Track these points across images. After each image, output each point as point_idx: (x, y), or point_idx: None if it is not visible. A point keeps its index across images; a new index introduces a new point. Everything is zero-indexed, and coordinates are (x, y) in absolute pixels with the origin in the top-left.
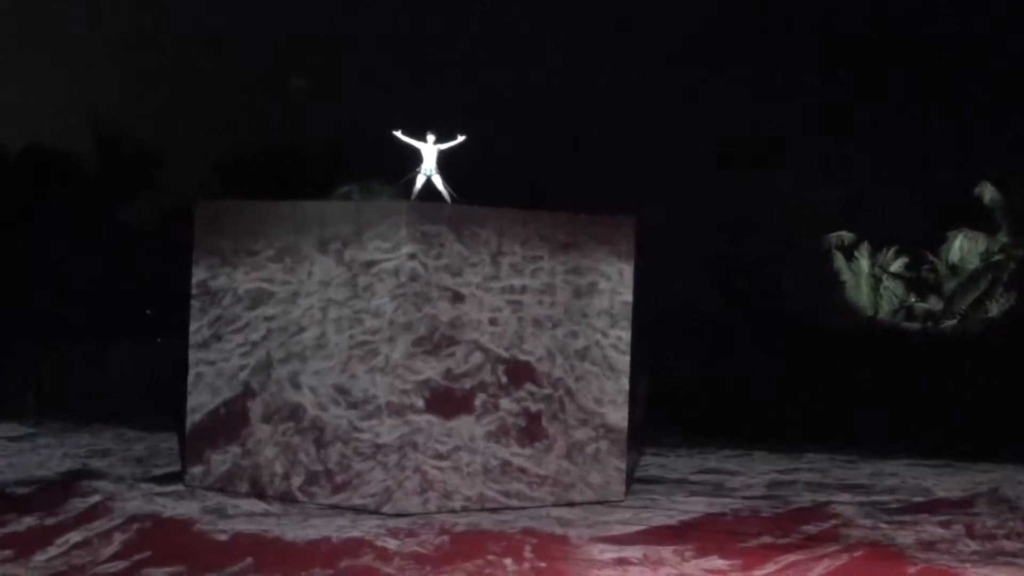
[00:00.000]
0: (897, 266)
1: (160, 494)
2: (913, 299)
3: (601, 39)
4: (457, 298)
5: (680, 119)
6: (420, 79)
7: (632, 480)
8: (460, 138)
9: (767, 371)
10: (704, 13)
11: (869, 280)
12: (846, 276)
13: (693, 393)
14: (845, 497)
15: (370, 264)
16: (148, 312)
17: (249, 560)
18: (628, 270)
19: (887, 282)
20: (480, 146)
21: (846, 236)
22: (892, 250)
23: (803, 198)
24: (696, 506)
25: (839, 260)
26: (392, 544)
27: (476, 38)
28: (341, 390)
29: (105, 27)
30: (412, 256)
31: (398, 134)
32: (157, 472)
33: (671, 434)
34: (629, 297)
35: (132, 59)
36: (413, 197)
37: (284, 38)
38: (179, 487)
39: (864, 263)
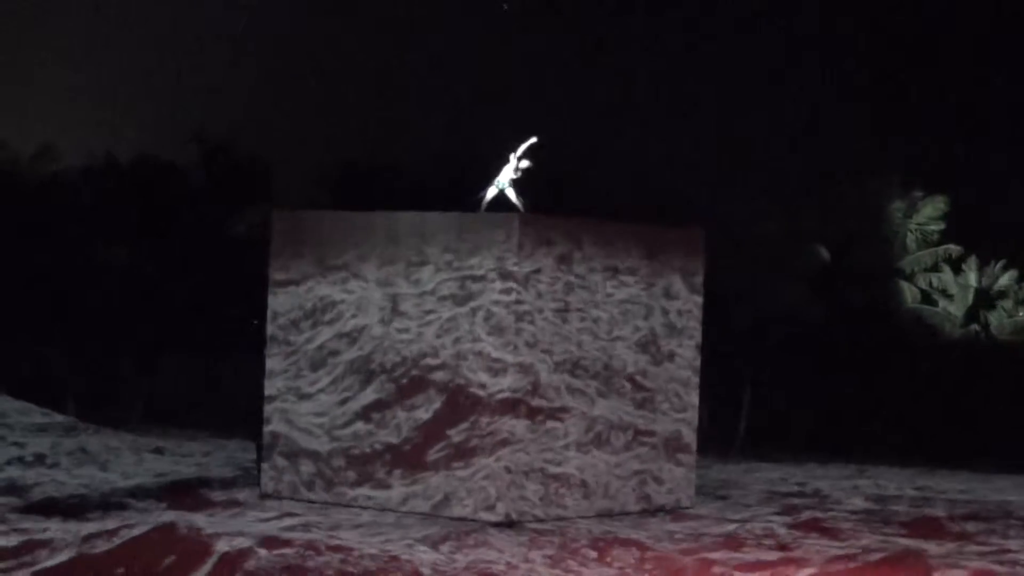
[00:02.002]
0: (1006, 280)
1: None
2: (1021, 313)
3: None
4: (561, 310)
5: (783, 128)
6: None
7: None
8: (532, 139)
9: (871, 384)
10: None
11: (977, 294)
12: (953, 290)
13: (796, 405)
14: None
15: (482, 275)
16: (255, 323)
17: None
18: (697, 282)
19: (996, 297)
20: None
21: (953, 249)
22: (1000, 263)
23: (907, 211)
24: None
25: (947, 274)
26: None
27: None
28: None
29: (215, 33)
30: (531, 272)
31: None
32: None
33: (772, 446)
34: (698, 310)
35: (240, 69)
36: (482, 209)
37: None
38: None
39: (972, 276)
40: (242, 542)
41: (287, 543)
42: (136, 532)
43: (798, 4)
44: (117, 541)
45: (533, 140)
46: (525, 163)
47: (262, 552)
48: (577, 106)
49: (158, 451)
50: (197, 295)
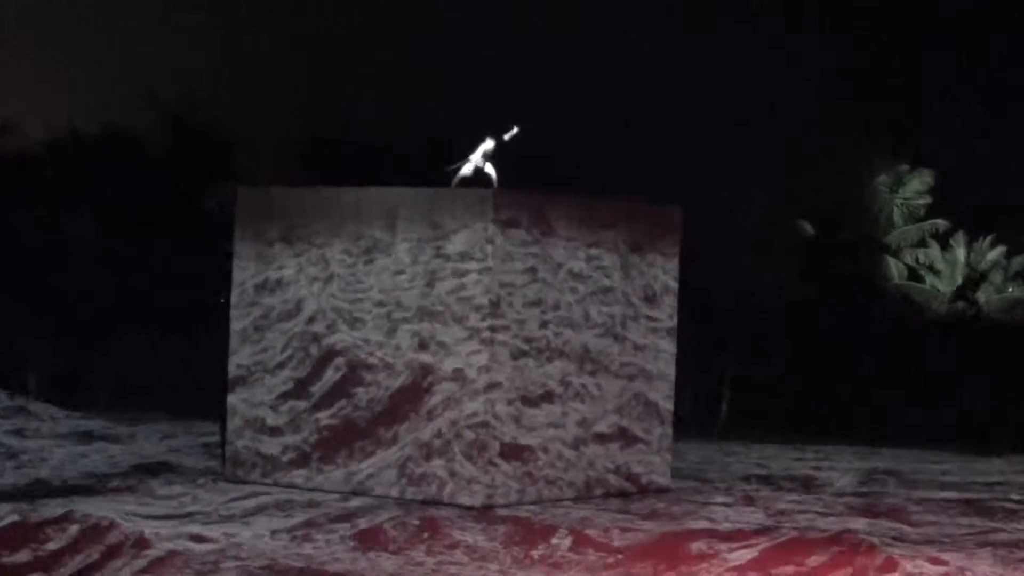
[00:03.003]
0: (994, 255)
1: None
2: (1011, 289)
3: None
4: (558, 303)
5: (765, 107)
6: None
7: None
8: (515, 130)
9: (859, 363)
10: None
11: (964, 270)
12: (941, 266)
13: (781, 383)
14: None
15: (460, 255)
16: (223, 301)
17: None
18: (675, 258)
19: (986, 272)
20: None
21: (940, 224)
22: (989, 238)
23: (892, 185)
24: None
25: (934, 249)
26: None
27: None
28: None
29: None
30: (506, 253)
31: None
32: None
33: (757, 427)
34: (675, 284)
35: (199, 31)
36: (454, 185)
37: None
38: None
39: (960, 252)
40: (184, 535)
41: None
42: (74, 525)
43: None
44: (52, 533)
45: (516, 131)
46: (505, 137)
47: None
48: (551, 80)
49: (108, 437)
50: (166, 272)
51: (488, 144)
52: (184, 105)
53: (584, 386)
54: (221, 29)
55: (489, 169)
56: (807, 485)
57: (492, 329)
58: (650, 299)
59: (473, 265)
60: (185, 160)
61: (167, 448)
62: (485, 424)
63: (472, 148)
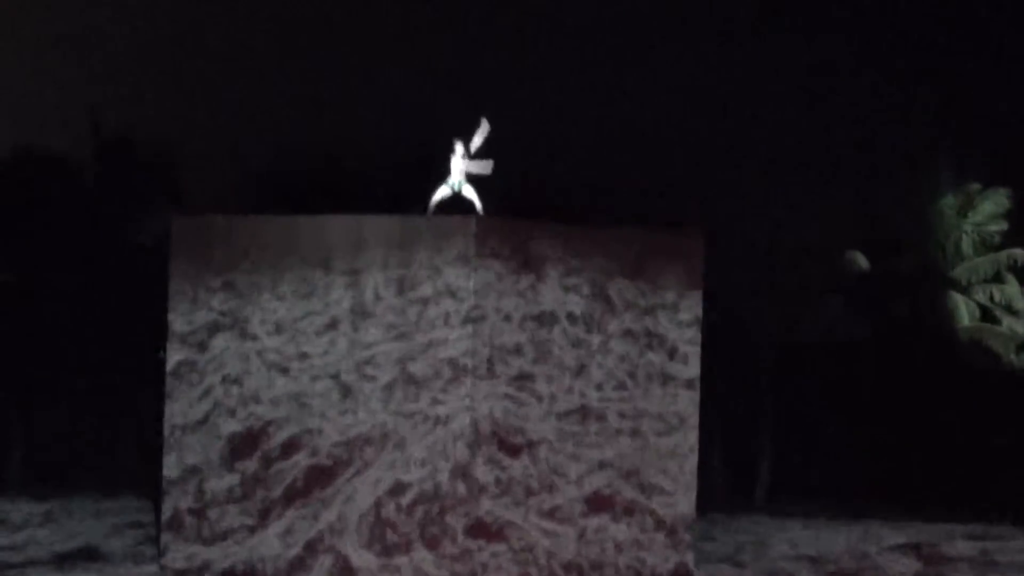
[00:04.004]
0: None
1: None
2: None
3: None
4: (556, 348)
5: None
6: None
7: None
8: (485, 126)
9: (921, 419)
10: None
11: None
12: (1020, 305)
13: (831, 444)
14: None
15: (437, 291)
16: (159, 352)
17: None
18: (694, 295)
19: None
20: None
21: (1019, 255)
22: None
23: (961, 208)
24: None
25: (1011, 285)
26: None
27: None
28: None
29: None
30: (487, 284)
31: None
32: None
33: (803, 496)
34: (696, 325)
35: (142, 50)
36: (430, 212)
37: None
38: None
39: None
40: None
41: None
42: None
43: None
44: None
45: (485, 127)
46: (486, 167)
47: None
48: (553, 93)
49: (24, 519)
50: (91, 318)
51: (459, 153)
52: (119, 125)
53: (584, 447)
54: (165, 45)
55: (469, 193)
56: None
57: (474, 382)
58: (666, 343)
59: (451, 305)
60: (116, 187)
61: (93, 530)
62: (455, 497)
63: (446, 166)
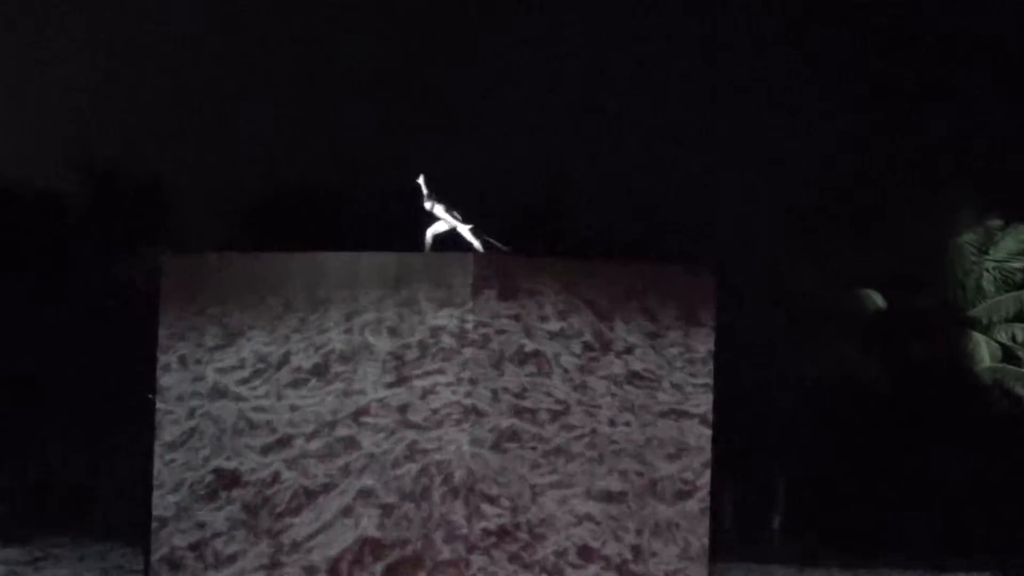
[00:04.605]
0: None
1: None
2: None
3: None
4: (560, 398)
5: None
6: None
7: None
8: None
9: (938, 466)
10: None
11: None
12: None
13: (845, 489)
14: None
15: (434, 330)
16: (150, 397)
17: None
18: (708, 338)
19: None
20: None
21: None
22: None
23: (981, 244)
24: None
25: None
26: None
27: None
28: None
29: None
30: (485, 323)
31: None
32: None
33: (815, 544)
34: (708, 367)
35: (133, 81)
36: (427, 248)
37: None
38: None
39: None
40: None
41: None
42: None
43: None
44: None
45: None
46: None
47: None
48: (549, 119)
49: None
50: (79, 362)
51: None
52: (109, 160)
53: (592, 512)
54: (161, 77)
55: (466, 233)
56: None
57: (470, 425)
58: (678, 386)
59: (448, 346)
60: (103, 222)
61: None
62: (440, 547)
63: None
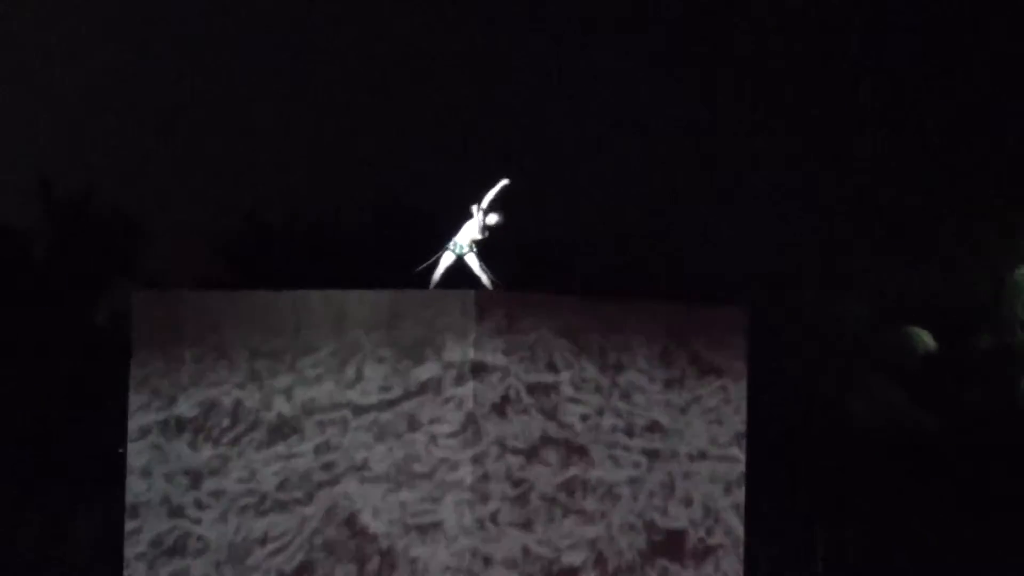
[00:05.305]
0: None
1: None
2: None
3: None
4: (570, 448)
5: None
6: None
7: None
8: (503, 182)
9: (996, 517)
10: None
11: None
12: None
13: (895, 544)
14: None
15: (433, 379)
16: (121, 451)
17: None
18: (740, 383)
19: None
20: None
21: None
22: None
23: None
24: None
25: None
26: None
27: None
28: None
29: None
30: (491, 368)
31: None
32: None
33: None
34: (740, 411)
35: (101, 108)
36: (433, 285)
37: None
38: None
39: None
40: None
41: None
42: None
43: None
44: None
45: (505, 183)
46: (494, 218)
47: None
48: (573, 149)
49: None
50: (42, 410)
51: (475, 219)
52: (78, 193)
53: (615, 568)
54: (128, 109)
55: (472, 261)
56: None
57: (480, 485)
58: (708, 433)
59: (448, 393)
60: (69, 258)
61: None
62: None
63: (452, 229)
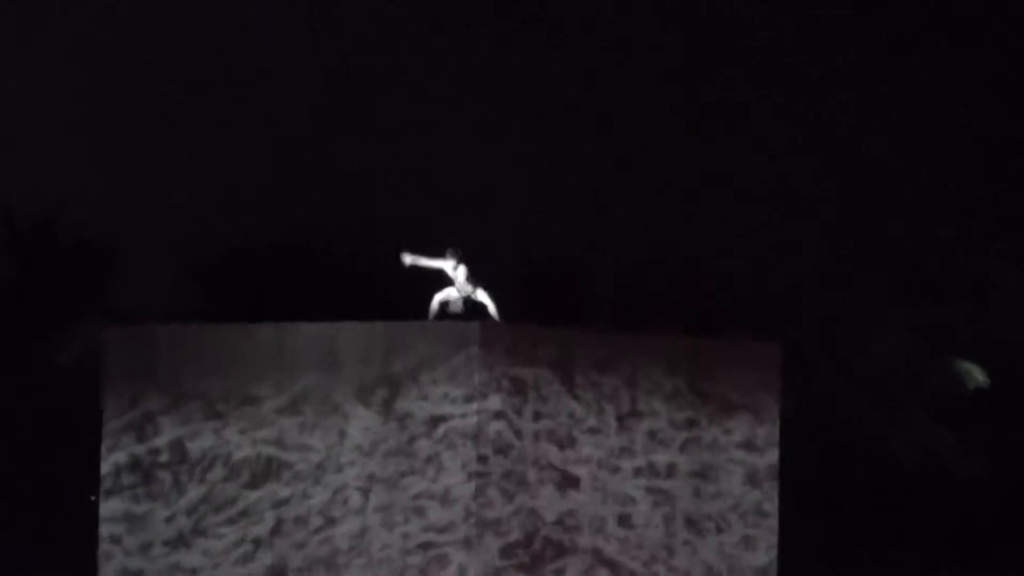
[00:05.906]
0: None
1: None
2: None
3: None
4: (569, 482)
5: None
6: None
7: None
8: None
9: None
10: None
11: None
12: None
13: None
14: None
15: (434, 421)
16: (92, 499)
17: None
18: (771, 418)
19: None
20: None
21: None
22: None
23: None
24: None
25: None
26: None
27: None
28: None
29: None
30: (499, 413)
31: (407, 258)
32: None
33: None
34: (773, 451)
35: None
36: (431, 316)
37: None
38: None
39: None
40: None
41: None
42: None
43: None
44: None
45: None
46: (469, 290)
47: None
48: (591, 175)
49: None
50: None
51: (460, 269)
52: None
53: None
54: (93, 128)
55: (483, 296)
56: None
57: (474, 540)
58: (741, 475)
59: (449, 434)
60: (33, 290)
61: None
62: None
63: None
